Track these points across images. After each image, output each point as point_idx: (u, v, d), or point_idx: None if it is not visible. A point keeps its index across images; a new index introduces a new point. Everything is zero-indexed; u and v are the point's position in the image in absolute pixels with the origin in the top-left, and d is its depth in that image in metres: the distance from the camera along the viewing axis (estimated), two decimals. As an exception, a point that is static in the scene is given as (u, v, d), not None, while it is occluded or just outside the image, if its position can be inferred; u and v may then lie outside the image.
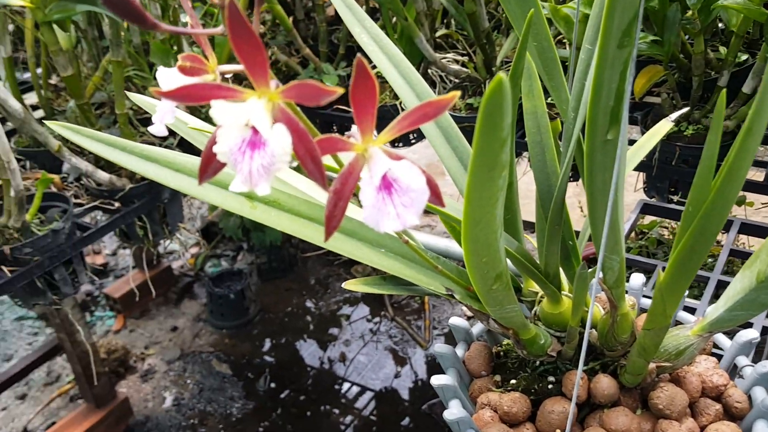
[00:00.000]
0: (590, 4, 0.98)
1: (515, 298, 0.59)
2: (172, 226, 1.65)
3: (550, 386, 0.68)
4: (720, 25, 1.35)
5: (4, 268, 1.21)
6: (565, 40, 1.42)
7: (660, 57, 1.19)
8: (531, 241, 0.74)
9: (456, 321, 0.76)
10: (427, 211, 0.41)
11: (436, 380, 0.67)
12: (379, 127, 0.37)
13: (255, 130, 0.34)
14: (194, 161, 0.59)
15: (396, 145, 1.78)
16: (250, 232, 2.57)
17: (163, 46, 1.47)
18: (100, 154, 0.60)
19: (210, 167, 0.38)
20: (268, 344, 2.42)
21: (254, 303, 2.54)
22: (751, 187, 1.30)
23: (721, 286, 1.04)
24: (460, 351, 0.74)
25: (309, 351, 2.37)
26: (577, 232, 0.70)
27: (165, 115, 0.45)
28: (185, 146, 1.46)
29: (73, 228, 1.32)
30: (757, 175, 1.34)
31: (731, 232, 1.14)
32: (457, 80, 1.52)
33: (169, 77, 0.42)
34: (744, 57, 1.25)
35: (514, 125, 0.43)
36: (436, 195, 0.39)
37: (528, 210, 0.78)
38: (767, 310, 0.85)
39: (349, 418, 2.08)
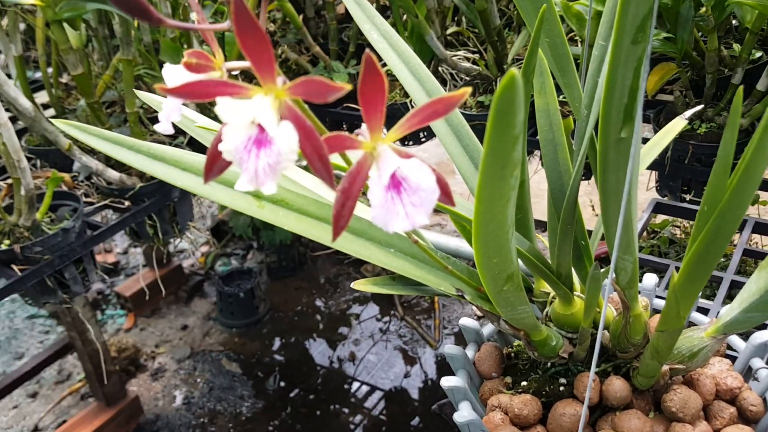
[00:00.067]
0: (603, 2, 0.97)
1: (527, 299, 0.58)
2: (182, 224, 1.64)
3: (561, 388, 0.67)
4: (734, 22, 1.33)
5: (15, 267, 1.22)
6: (577, 38, 1.41)
7: (673, 54, 1.18)
8: (542, 240, 0.73)
9: (466, 322, 0.75)
10: (437, 210, 0.40)
11: (446, 382, 0.66)
12: (389, 126, 0.36)
13: (261, 128, 0.34)
14: (202, 160, 0.58)
15: (406, 143, 1.77)
16: (260, 231, 2.57)
17: (173, 45, 1.47)
18: (108, 152, 0.60)
19: (216, 166, 0.37)
20: (277, 343, 2.42)
21: (264, 302, 2.54)
22: (765, 185, 1.28)
23: (735, 286, 1.03)
24: (470, 352, 0.73)
25: (318, 350, 2.37)
26: (589, 232, 0.70)
27: (171, 113, 0.44)
28: (195, 145, 1.46)
29: (83, 227, 1.32)
30: (771, 173, 1.32)
31: (745, 231, 1.13)
32: (467, 78, 1.51)
33: (175, 74, 0.41)
34: (758, 54, 1.23)
35: (525, 123, 0.42)
36: (446, 194, 0.38)
37: (539, 209, 0.77)
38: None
39: (358, 418, 2.07)
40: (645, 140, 0.83)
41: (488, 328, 0.76)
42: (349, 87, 0.32)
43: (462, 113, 0.82)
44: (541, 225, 2.20)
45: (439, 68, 1.55)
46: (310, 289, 2.66)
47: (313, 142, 0.35)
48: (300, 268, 2.76)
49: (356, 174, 0.37)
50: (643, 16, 0.41)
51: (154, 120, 1.55)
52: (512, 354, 0.74)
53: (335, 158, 0.39)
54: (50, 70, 1.61)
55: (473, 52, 1.57)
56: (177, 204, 1.58)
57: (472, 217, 0.45)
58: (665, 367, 0.63)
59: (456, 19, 1.66)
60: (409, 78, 0.68)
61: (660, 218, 1.37)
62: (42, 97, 1.73)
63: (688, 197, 1.33)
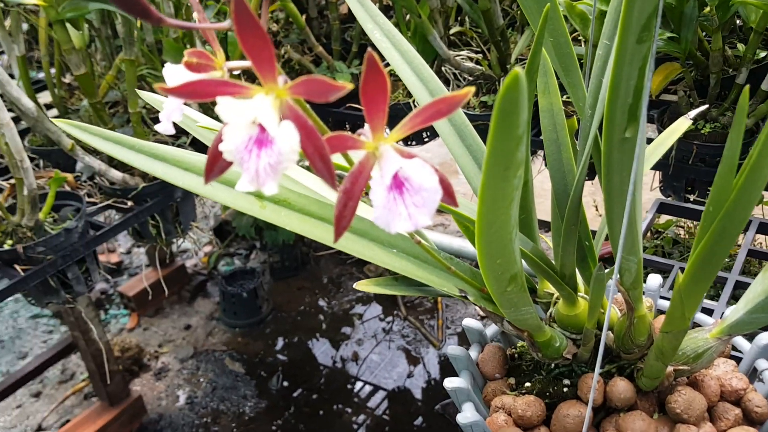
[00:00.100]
0: (607, 1, 0.96)
1: (530, 300, 0.58)
2: (185, 224, 1.64)
3: (565, 389, 0.67)
4: (738, 21, 1.33)
5: (17, 267, 1.21)
6: (580, 37, 1.40)
7: (677, 54, 1.17)
8: (546, 240, 0.73)
9: (470, 323, 0.74)
10: (440, 210, 0.40)
11: (450, 383, 0.66)
12: (392, 126, 0.36)
13: (262, 128, 0.33)
14: (203, 160, 0.58)
15: (409, 143, 1.77)
16: (263, 231, 2.57)
17: (176, 45, 1.47)
18: (109, 152, 0.59)
19: (216, 166, 0.37)
20: (280, 343, 2.42)
21: (267, 302, 2.54)
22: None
23: (739, 286, 1.03)
24: (473, 353, 0.73)
25: (321, 350, 2.37)
26: (593, 232, 0.69)
27: (172, 113, 0.44)
28: (198, 145, 1.46)
29: (86, 227, 1.32)
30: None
31: (749, 231, 1.12)
32: (471, 78, 1.51)
33: (175, 74, 0.41)
34: (763, 54, 1.22)
35: (529, 122, 0.42)
36: (449, 194, 0.38)
37: (542, 209, 0.76)
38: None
39: (361, 418, 2.07)
40: (649, 140, 0.83)
41: (491, 329, 0.76)
42: (350, 86, 0.32)
43: (465, 113, 0.82)
44: (543, 225, 2.19)
45: (442, 68, 1.55)
46: (313, 289, 2.66)
47: (315, 142, 0.35)
48: (303, 268, 2.76)
49: (358, 174, 0.37)
50: (648, 14, 0.41)
51: (157, 120, 1.54)
52: (516, 355, 0.73)
53: (338, 158, 0.39)
54: (53, 70, 1.61)
55: (476, 52, 1.57)
56: (180, 204, 1.58)
57: (475, 218, 0.44)
58: (670, 368, 0.63)
59: (459, 18, 1.66)
60: (411, 78, 0.68)
61: (663, 218, 1.36)
62: (45, 97, 1.73)
63: (692, 197, 1.33)
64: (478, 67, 1.49)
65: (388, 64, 0.70)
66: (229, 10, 0.31)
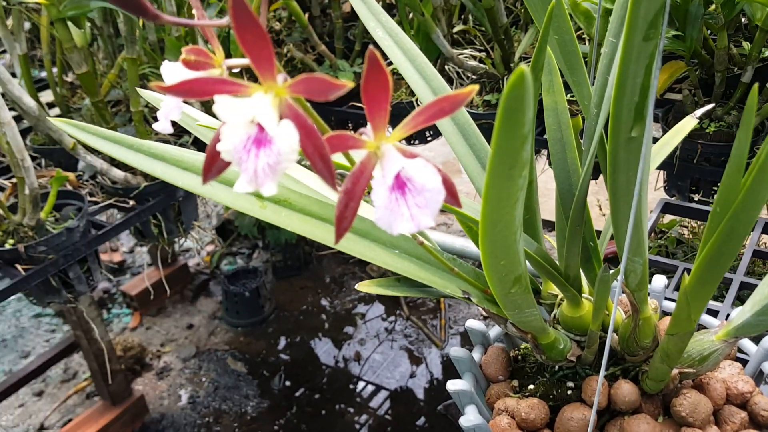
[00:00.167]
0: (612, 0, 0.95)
1: (534, 302, 0.57)
2: (187, 224, 1.64)
3: (569, 392, 0.66)
4: (743, 20, 1.32)
5: (19, 267, 1.21)
6: (585, 36, 1.39)
7: (682, 52, 1.16)
8: (550, 241, 0.72)
9: (473, 324, 0.74)
10: (443, 210, 0.39)
11: (452, 385, 0.65)
12: (395, 125, 0.35)
13: (261, 127, 0.33)
14: (203, 159, 0.57)
15: (412, 142, 1.76)
16: (265, 230, 2.57)
17: (177, 43, 1.46)
18: (108, 152, 0.59)
19: (214, 166, 0.36)
20: (283, 342, 2.41)
21: (269, 301, 2.54)
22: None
23: (744, 287, 1.02)
24: (476, 355, 0.72)
25: (324, 349, 2.36)
26: (598, 232, 0.68)
27: (171, 112, 0.43)
28: (200, 144, 1.45)
29: (87, 226, 1.32)
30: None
31: (755, 232, 1.12)
32: (474, 76, 1.50)
33: (174, 72, 0.40)
34: (768, 52, 1.22)
35: (534, 121, 0.41)
36: (452, 195, 0.37)
37: (546, 208, 0.76)
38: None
39: (364, 418, 2.07)
40: (654, 139, 0.82)
41: (495, 330, 0.75)
42: (350, 84, 0.31)
43: (468, 112, 0.81)
44: (548, 225, 2.19)
45: (446, 67, 1.54)
46: (315, 289, 2.65)
47: (315, 142, 0.34)
48: (305, 267, 2.75)
49: (359, 174, 0.36)
50: (655, 11, 0.40)
51: (159, 119, 1.54)
52: (519, 357, 0.73)
53: (339, 158, 0.38)
54: (55, 69, 1.61)
55: (480, 51, 1.56)
56: (182, 203, 1.58)
57: (478, 218, 0.44)
58: (675, 371, 0.62)
59: (462, 17, 1.65)
60: (414, 76, 0.67)
61: (667, 218, 1.36)
62: (47, 96, 1.73)
63: (696, 197, 1.32)
64: (482, 65, 1.49)
65: (390, 63, 0.69)
66: (227, 8, 0.30)
